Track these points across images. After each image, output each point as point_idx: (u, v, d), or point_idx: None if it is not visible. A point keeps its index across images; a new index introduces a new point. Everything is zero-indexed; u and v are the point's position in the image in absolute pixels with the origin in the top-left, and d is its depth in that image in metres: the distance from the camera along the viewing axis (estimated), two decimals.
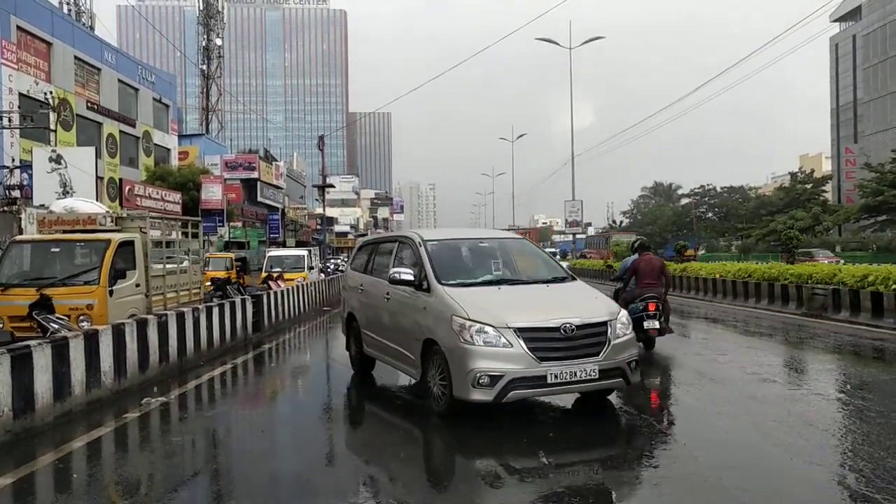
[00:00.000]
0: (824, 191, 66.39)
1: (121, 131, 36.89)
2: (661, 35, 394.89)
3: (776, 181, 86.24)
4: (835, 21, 74.04)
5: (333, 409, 8.36)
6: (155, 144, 41.41)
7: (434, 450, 6.33)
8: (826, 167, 79.32)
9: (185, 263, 14.45)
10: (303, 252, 27.81)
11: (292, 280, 21.28)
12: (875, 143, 64.96)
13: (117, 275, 10.86)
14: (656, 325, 10.50)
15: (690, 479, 5.05)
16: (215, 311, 11.93)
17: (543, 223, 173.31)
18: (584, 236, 69.13)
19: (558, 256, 43.40)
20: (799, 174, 68.37)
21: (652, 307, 10.50)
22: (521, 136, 74.17)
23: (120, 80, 37.69)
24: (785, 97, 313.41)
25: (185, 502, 5.02)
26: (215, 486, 5.39)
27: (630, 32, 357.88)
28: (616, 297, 11.03)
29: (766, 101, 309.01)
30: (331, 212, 71.21)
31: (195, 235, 15.44)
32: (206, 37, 63.86)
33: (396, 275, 7.28)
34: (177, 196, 37.85)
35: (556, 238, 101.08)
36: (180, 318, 10.38)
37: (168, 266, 13.24)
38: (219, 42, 64.79)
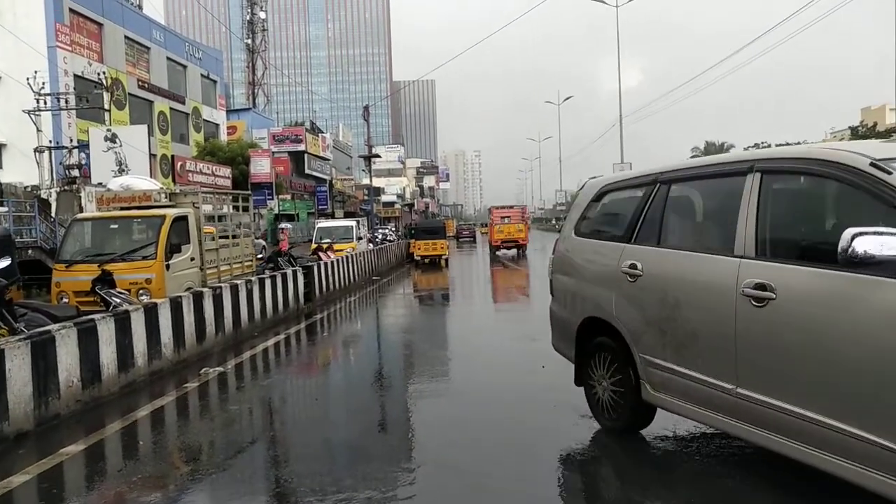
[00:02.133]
0: None
1: (171, 108, 37.63)
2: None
3: (836, 136, 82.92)
4: None
5: (385, 376, 8.50)
6: (204, 120, 42.14)
7: (461, 422, 6.40)
8: (890, 119, 75.74)
9: (238, 236, 14.77)
10: (351, 223, 28.07)
11: (342, 251, 21.56)
12: None
13: (173, 249, 11.18)
14: None
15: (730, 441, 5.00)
16: (268, 282, 12.21)
17: None
18: None
19: None
20: (860, 128, 65.57)
21: None
22: (568, 98, 72.87)
23: (168, 58, 38.33)
24: (847, 46, 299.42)
25: (245, 468, 5.21)
26: (272, 452, 5.58)
27: None
28: None
29: (827, 51, 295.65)
30: (377, 182, 71.44)
31: (246, 209, 15.73)
32: (249, 11, 64.22)
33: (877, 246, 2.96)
34: (227, 171, 38.57)
35: None
36: (234, 290, 10.66)
37: (221, 239, 13.56)
38: (262, 15, 65.08)
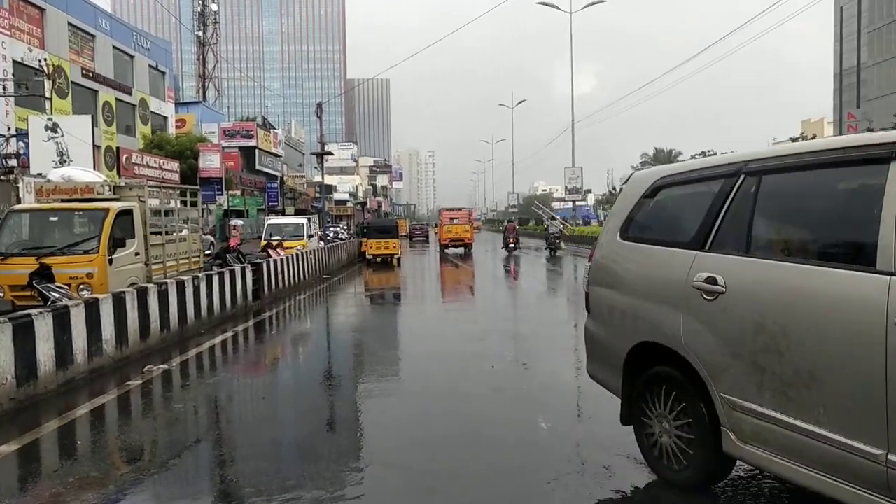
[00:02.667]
0: None
1: (117, 99, 36.56)
2: (660, 2, 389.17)
3: (777, 146, 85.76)
4: None
5: (334, 375, 8.42)
6: (151, 112, 41.08)
7: (411, 421, 6.39)
8: (828, 132, 78.76)
9: (185, 232, 14.44)
10: (302, 220, 27.74)
11: (292, 248, 21.28)
12: (877, 108, 64.48)
13: (116, 244, 10.85)
14: None
15: None
16: (215, 279, 11.97)
17: (543, 190, 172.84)
18: (585, 204, 69.16)
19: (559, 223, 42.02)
20: (799, 139, 67.97)
21: None
22: (521, 102, 73.66)
23: (115, 47, 37.22)
24: (788, 62, 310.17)
25: (188, 468, 5.09)
26: (218, 452, 5.46)
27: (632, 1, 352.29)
28: None
29: (770, 66, 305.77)
30: (329, 179, 70.81)
31: (194, 204, 15.40)
32: (201, 2, 62.89)
33: None
34: (174, 164, 37.69)
35: (556, 206, 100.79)
36: (180, 286, 10.41)
37: (167, 235, 13.24)
38: (214, 7, 63.82)
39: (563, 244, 35.27)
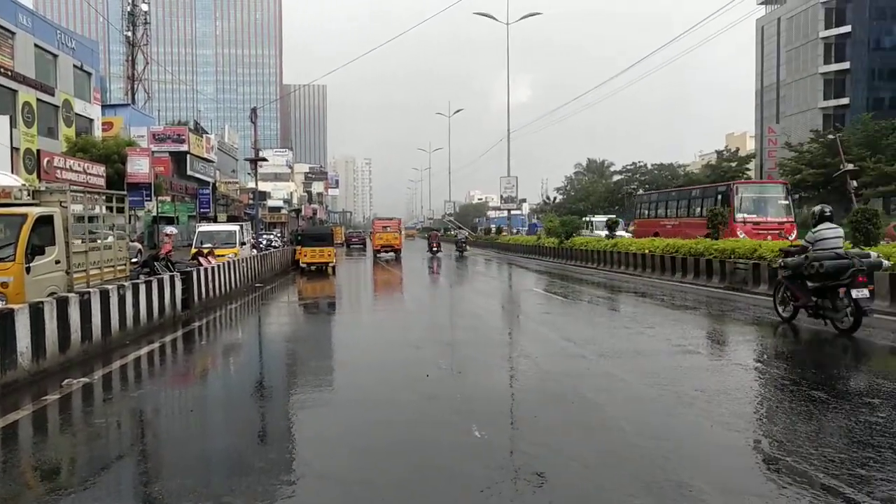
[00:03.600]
0: (748, 169, 68.86)
1: (38, 100, 34.96)
2: (593, 16, 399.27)
3: (703, 159, 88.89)
4: (761, 4, 76.44)
5: (266, 386, 8.24)
6: (76, 114, 39.46)
7: (345, 432, 6.33)
8: (750, 146, 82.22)
9: (110, 239, 13.91)
10: (234, 227, 27.14)
11: (223, 256, 20.78)
12: (795, 123, 67.73)
13: (35, 251, 10.37)
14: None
15: (618, 450, 5.22)
16: (142, 288, 11.57)
17: (480, 199, 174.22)
18: (520, 213, 70.38)
19: (495, 230, 52.89)
20: (725, 152, 70.66)
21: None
22: (458, 111, 74.27)
23: (37, 46, 35.62)
24: (715, 78, 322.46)
25: (109, 486, 4.88)
26: (142, 468, 5.25)
27: (567, 12, 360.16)
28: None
29: (697, 82, 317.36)
30: (263, 186, 69.61)
31: (121, 210, 14.86)
32: (130, 2, 60.93)
33: None
34: (100, 169, 36.26)
35: (492, 214, 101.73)
36: (104, 295, 10.01)
37: (91, 242, 12.72)
38: (144, 7, 61.91)
39: (467, 247, 47.98)
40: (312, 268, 27.84)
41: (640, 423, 5.86)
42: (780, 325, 11.12)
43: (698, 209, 29.29)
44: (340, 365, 9.51)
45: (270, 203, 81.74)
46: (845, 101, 65.43)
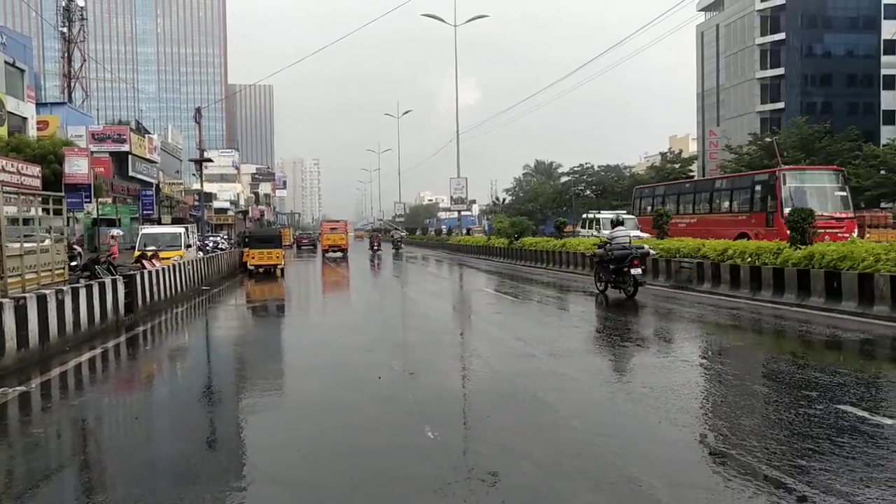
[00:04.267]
0: (691, 170, 70.68)
1: None
2: (541, 19, 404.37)
3: (648, 160, 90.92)
4: (701, 10, 78.60)
5: (215, 391, 8.08)
6: (9, 112, 37.90)
7: (296, 436, 6.26)
8: (692, 148, 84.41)
9: (47, 242, 13.41)
10: (179, 229, 26.48)
11: (168, 259, 20.27)
12: (735, 126, 69.87)
13: None
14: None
15: (569, 448, 5.29)
16: (82, 292, 11.19)
17: (430, 200, 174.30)
18: (470, 214, 70.97)
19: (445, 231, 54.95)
20: (668, 154, 72.40)
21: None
22: (407, 112, 74.04)
23: None
24: (659, 82, 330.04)
25: (50, 497, 4.70)
26: (84, 478, 5.08)
27: (515, 15, 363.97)
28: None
29: (642, 84, 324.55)
30: (209, 187, 68.14)
31: (58, 212, 14.33)
32: None
33: None
34: (36, 169, 34.88)
35: (442, 215, 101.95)
36: (41, 300, 9.65)
37: (27, 245, 12.23)
38: (81, 3, 59.93)
39: (402, 245, 56.40)
40: (260, 270, 27.41)
41: (591, 421, 5.95)
42: (598, 295, 15.93)
43: (726, 203, 26.13)
44: (290, 368, 9.38)
45: (216, 205, 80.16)
46: (781, 105, 67.82)
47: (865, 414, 5.77)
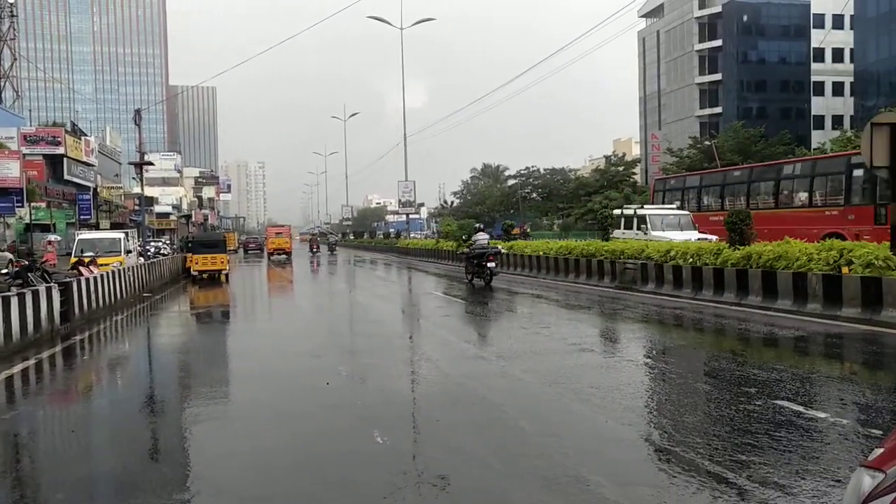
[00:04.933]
0: (634, 173, 72.26)
1: None
2: (487, 22, 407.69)
3: (593, 163, 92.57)
4: (642, 16, 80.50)
5: (157, 400, 7.85)
6: None
7: (243, 445, 6.15)
8: (636, 151, 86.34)
9: None
10: (118, 235, 25.73)
11: (107, 265, 19.65)
12: (675, 130, 71.74)
13: None
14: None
15: (519, 449, 5.32)
16: (13, 301, 10.74)
17: (378, 203, 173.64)
18: (418, 217, 71.10)
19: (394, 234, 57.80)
20: (612, 157, 73.84)
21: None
22: (354, 115, 73.66)
23: None
24: (603, 86, 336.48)
25: None
26: (16, 496, 4.86)
27: (462, 19, 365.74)
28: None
29: (586, 88, 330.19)
30: (150, 191, 66.38)
31: None
32: None
33: None
34: None
35: (391, 219, 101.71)
36: None
37: None
38: None
39: (337, 247, 64.30)
40: (204, 276, 26.82)
41: (540, 422, 6.01)
42: (467, 284, 20.23)
43: (803, 194, 21.54)
44: (236, 376, 9.20)
45: (158, 209, 78.17)
46: (719, 110, 69.95)
47: (801, 408, 5.99)
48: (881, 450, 1.69)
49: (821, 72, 68.12)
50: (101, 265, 19.59)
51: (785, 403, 6.13)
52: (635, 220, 23.48)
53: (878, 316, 10.28)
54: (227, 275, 26.95)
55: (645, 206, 25.80)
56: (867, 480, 1.66)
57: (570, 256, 21.05)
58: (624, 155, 75.34)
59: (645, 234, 22.08)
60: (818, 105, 68.36)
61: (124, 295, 17.91)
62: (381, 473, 4.81)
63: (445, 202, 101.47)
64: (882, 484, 1.61)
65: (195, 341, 12.80)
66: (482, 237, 20.94)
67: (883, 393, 6.76)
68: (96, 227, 48.58)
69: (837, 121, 65.82)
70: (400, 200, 55.67)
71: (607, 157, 73.69)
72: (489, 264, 19.34)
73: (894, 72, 53.09)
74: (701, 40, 71.32)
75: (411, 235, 60.02)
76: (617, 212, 25.85)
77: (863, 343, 9.36)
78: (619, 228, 23.99)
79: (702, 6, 71.32)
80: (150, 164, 41.77)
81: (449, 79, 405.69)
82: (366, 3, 33.48)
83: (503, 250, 22.87)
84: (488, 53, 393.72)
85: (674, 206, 25.84)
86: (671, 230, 21.59)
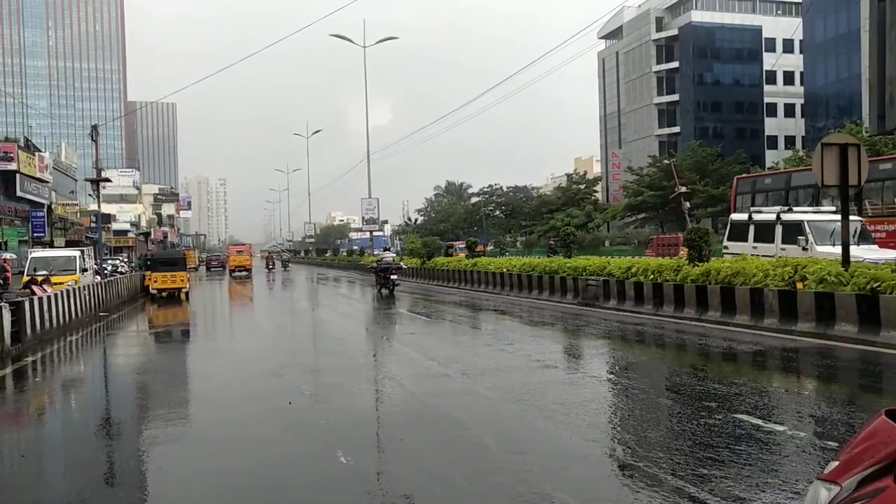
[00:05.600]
0: (595, 191, 73.31)
1: None
2: (451, 41, 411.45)
3: (555, 181, 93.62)
4: (601, 38, 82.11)
5: (114, 423, 7.64)
6: None
7: (202, 468, 6.02)
8: (597, 169, 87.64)
9: None
10: (74, 253, 25.11)
11: (62, 284, 19.14)
12: (635, 149, 73.10)
13: None
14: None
15: (483, 466, 5.30)
16: None
17: (341, 220, 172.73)
18: (382, 234, 71.10)
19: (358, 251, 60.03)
20: (574, 175, 74.80)
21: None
22: (317, 132, 73.43)
23: None
24: (565, 105, 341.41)
25: None
26: None
27: (426, 34, 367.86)
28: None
29: (548, 107, 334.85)
30: (108, 208, 65.05)
31: None
32: None
33: None
34: None
35: (354, 236, 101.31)
36: None
37: None
38: None
39: (290, 264, 73.98)
40: (164, 294, 26.30)
41: (504, 439, 6.01)
42: (375, 292, 24.63)
43: None
44: (196, 396, 9.01)
45: (116, 226, 76.59)
46: (677, 129, 71.55)
47: (760, 422, 6.10)
48: (836, 462, 1.72)
49: (773, 94, 70.29)
50: (56, 284, 19.08)
51: (744, 417, 6.24)
52: (779, 230, 16.58)
53: (832, 330, 10.55)
54: (187, 293, 26.47)
55: (795, 210, 17.83)
56: (823, 493, 1.70)
57: (534, 273, 21.20)
58: (585, 173, 76.39)
59: (804, 248, 15.27)
60: (771, 126, 70.45)
61: (80, 314, 17.46)
62: (344, 494, 4.75)
63: (409, 219, 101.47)
64: (838, 497, 1.64)
65: (153, 361, 12.52)
66: (388, 255, 27.37)
67: (837, 405, 6.94)
68: (51, 245, 47.36)
69: (790, 141, 67.85)
70: (363, 218, 55.49)
71: (569, 176, 74.60)
72: (392, 276, 24.47)
73: (842, 94, 55.01)
74: (659, 62, 73.03)
75: (375, 253, 59.86)
76: (738, 217, 18.95)
77: (817, 357, 9.60)
78: (741, 240, 17.42)
79: (659, 29, 73.14)
80: (108, 180, 40.96)
81: (414, 95, 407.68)
82: (330, 18, 33.51)
83: (404, 266, 29.38)
84: (454, 69, 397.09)
85: (833, 208, 17.03)
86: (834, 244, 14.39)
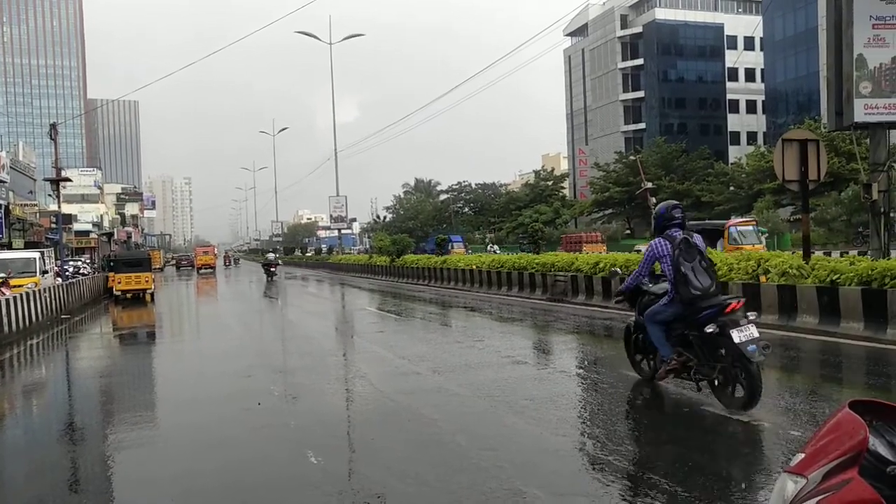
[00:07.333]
0: (563, 187, 73.91)
1: None
2: (418, 37, 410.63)
3: (523, 178, 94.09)
4: (567, 35, 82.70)
5: (77, 428, 7.47)
6: None
7: (169, 473, 5.93)
8: (564, 166, 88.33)
9: None
10: (33, 254, 24.51)
11: (21, 286, 18.67)
12: (602, 145, 73.84)
13: None
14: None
15: (455, 464, 5.31)
16: None
17: (308, 218, 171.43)
18: (350, 232, 70.71)
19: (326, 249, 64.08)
20: (541, 172, 75.31)
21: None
22: (283, 129, 72.98)
23: None
24: (531, 101, 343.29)
25: None
26: None
27: (392, 31, 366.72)
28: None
29: (515, 104, 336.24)
30: (69, 208, 63.59)
31: None
32: None
33: None
34: None
35: (322, 234, 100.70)
36: None
37: None
38: None
39: (240, 260, 79.36)
40: (128, 295, 25.83)
41: (475, 436, 6.02)
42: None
43: None
44: (162, 399, 8.86)
45: (77, 227, 74.91)
46: (642, 125, 72.46)
47: (727, 414, 6.19)
48: (802, 455, 1.75)
49: (735, 90, 71.56)
50: (14, 287, 18.61)
51: (712, 409, 6.34)
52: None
53: (794, 322, 10.79)
54: (152, 294, 26.03)
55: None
56: (790, 486, 1.73)
57: (503, 270, 21.29)
58: (553, 170, 76.98)
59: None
60: (734, 122, 71.73)
61: (41, 317, 17.07)
62: (315, 495, 4.71)
63: (378, 217, 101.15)
64: (804, 489, 1.67)
65: (118, 364, 12.28)
66: (271, 255, 40.67)
67: (801, 396, 7.09)
68: (9, 247, 46.16)
69: (752, 137, 69.19)
70: (331, 216, 55.24)
71: (536, 172, 75.10)
72: (272, 269, 37.28)
73: (801, 91, 56.23)
74: (624, 59, 73.82)
75: (344, 251, 59.53)
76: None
77: (781, 348, 9.79)
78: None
79: (624, 26, 73.91)
80: (68, 180, 40.04)
81: (381, 92, 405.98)
82: (301, 14, 33.19)
83: (280, 262, 39.84)
84: (422, 65, 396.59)
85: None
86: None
